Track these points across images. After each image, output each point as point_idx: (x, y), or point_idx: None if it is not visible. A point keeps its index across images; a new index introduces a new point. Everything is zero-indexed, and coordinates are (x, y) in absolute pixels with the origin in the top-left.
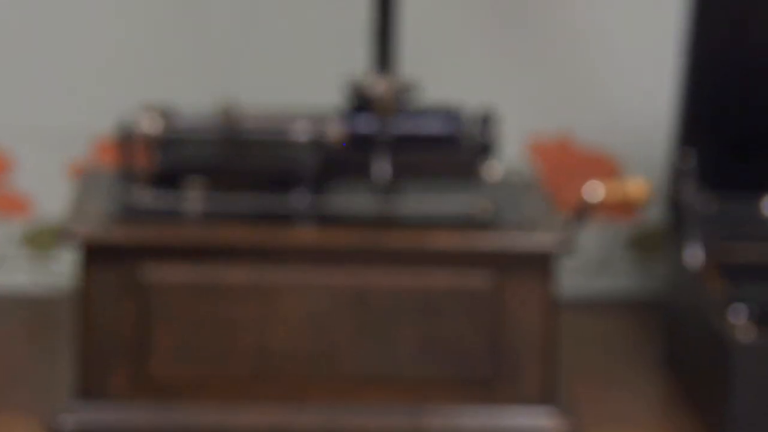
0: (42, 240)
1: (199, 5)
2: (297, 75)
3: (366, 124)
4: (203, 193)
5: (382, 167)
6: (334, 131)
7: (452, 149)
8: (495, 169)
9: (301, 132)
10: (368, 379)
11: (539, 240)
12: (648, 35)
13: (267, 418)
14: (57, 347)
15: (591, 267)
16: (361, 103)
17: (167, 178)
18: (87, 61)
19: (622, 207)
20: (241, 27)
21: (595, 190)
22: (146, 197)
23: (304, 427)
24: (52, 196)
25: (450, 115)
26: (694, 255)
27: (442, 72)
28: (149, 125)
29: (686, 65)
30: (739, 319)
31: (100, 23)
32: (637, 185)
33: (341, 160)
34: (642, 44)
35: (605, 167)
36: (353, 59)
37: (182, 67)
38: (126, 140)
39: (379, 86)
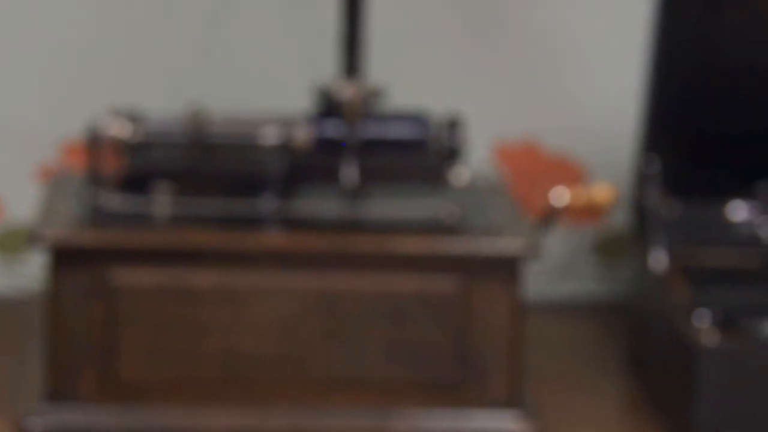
0: (11, 243)
1: (168, 11)
2: (264, 81)
3: (334, 129)
4: (171, 197)
5: (349, 172)
6: (302, 136)
7: (419, 154)
8: (462, 173)
9: (268, 136)
10: (335, 383)
11: (506, 244)
12: (614, 43)
13: (235, 421)
14: (27, 349)
15: (557, 271)
16: (329, 108)
17: (136, 182)
18: (56, 65)
19: (588, 212)
20: (209, 33)
21: (561, 195)
22: (115, 201)
23: (271, 430)
24: (20, 199)
25: (417, 120)
26: (658, 259)
27: (409, 78)
28: (118, 129)
29: (651, 73)
30: (703, 323)
31: (69, 27)
32: (603, 190)
33: (309, 164)
34: (608, 51)
35: (571, 172)
36: (321, 65)
37: (151, 73)
38: (94, 144)
39: (346, 91)
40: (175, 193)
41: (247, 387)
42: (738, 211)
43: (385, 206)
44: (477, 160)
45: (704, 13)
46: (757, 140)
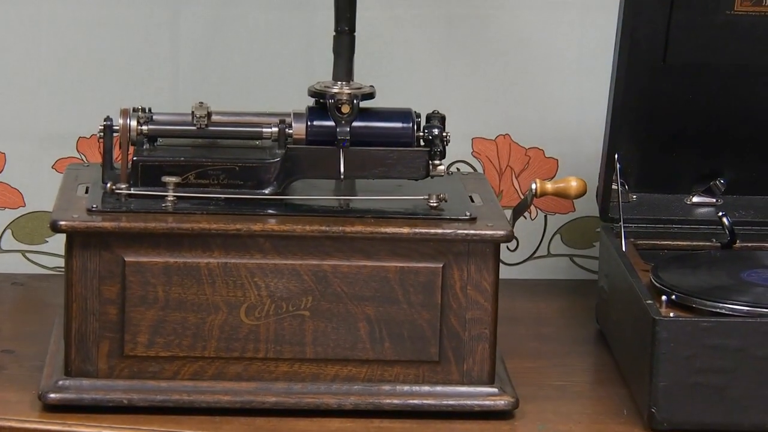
0: (33, 229)
1: (176, 17)
2: (264, 82)
3: (326, 125)
4: (178, 186)
5: (341, 163)
6: (297, 130)
7: (405, 147)
8: (443, 165)
9: (267, 131)
10: (326, 359)
11: (483, 230)
12: (584, 48)
13: (236, 395)
14: (47, 328)
15: (529, 254)
16: (323, 106)
17: (146, 174)
18: (71, 67)
19: (559, 201)
20: (213, 37)
21: (536, 186)
22: (126, 189)
23: (269, 404)
24: (42, 189)
25: (403, 116)
26: (621, 244)
27: (396, 80)
28: (129, 125)
29: (615, 76)
30: (660, 300)
31: (84, 33)
32: (574, 182)
33: (304, 156)
34: (578, 56)
35: (544, 165)
36: (316, 68)
37: (159, 73)
38: (108, 139)
39: (339, 91)
40: (180, 183)
41: (246, 363)
42: (694, 200)
43: (373, 194)
44: (458, 154)
45: (663, 19)
46: (713, 136)
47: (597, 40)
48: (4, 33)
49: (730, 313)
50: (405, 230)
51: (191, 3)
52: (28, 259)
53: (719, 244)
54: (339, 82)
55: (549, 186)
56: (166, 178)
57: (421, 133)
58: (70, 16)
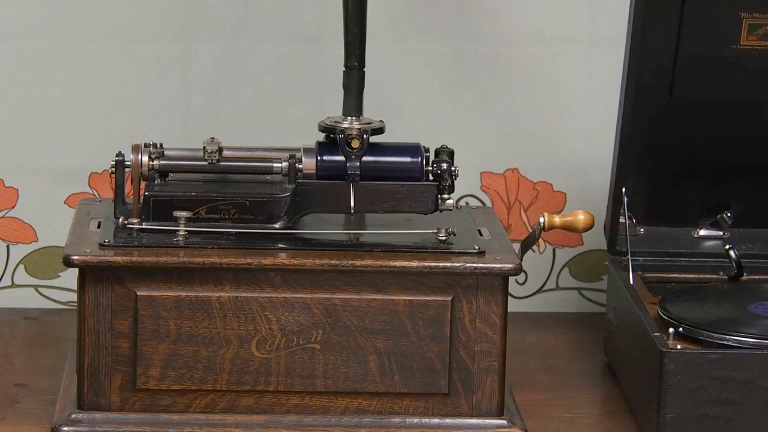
0: (46, 264)
1: (186, 54)
2: (275, 118)
3: (336, 159)
4: (189, 221)
5: (351, 197)
6: (307, 165)
7: (414, 181)
8: (452, 200)
9: (277, 166)
10: (337, 391)
11: (492, 263)
12: (591, 84)
13: (247, 428)
14: (60, 362)
15: (538, 287)
16: (333, 140)
17: (158, 209)
18: (85, 105)
19: (567, 234)
20: (223, 72)
21: (544, 220)
22: (137, 224)
23: None
24: (56, 225)
25: (413, 151)
26: (629, 277)
27: (406, 117)
28: (140, 161)
29: (622, 111)
30: (668, 332)
31: (96, 71)
32: (582, 216)
33: (313, 190)
34: (586, 92)
35: (552, 199)
36: (326, 103)
37: (170, 110)
38: (120, 174)
39: (348, 126)
40: (191, 218)
41: (257, 396)
42: (701, 233)
43: (383, 228)
44: (467, 188)
45: (669, 54)
46: (719, 170)
47: (604, 74)
48: (16, 68)
49: (737, 345)
50: (414, 264)
51: (202, 38)
52: (41, 294)
53: (726, 277)
54: (349, 117)
55: (557, 219)
56: (178, 213)
57: (430, 168)
58: (82, 52)
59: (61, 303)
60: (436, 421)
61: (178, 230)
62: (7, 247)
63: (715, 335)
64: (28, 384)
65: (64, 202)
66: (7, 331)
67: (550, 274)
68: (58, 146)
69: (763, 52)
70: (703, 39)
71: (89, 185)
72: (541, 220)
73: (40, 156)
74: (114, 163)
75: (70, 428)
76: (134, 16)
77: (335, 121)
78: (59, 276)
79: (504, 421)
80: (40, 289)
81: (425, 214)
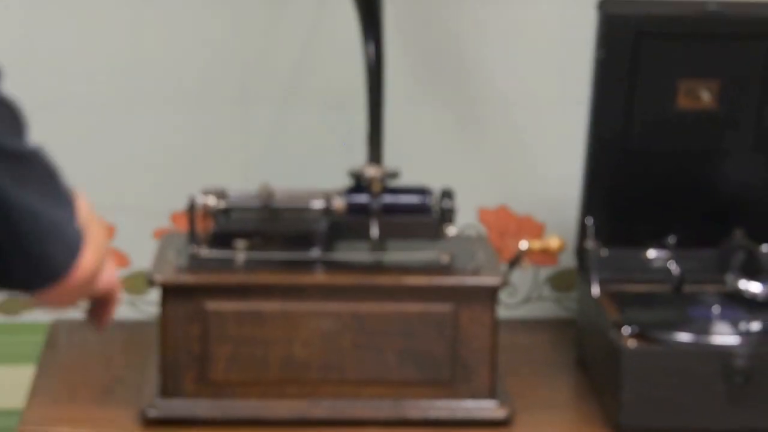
0: (136, 284)
1: (246, 119)
2: (314, 166)
3: (362, 199)
4: (247, 248)
5: (373, 229)
6: (339, 204)
7: (423, 216)
8: (453, 229)
9: (316, 205)
10: (363, 381)
11: (485, 279)
12: (564, 134)
13: (292, 410)
14: (148, 359)
15: (522, 297)
16: (359, 183)
17: (222, 239)
18: (168, 158)
19: (545, 255)
20: (275, 131)
21: (525, 244)
22: (206, 252)
23: (318, 417)
24: (144, 253)
25: (421, 192)
26: (595, 289)
27: (415, 163)
28: (209, 201)
29: (588, 156)
30: (626, 334)
31: (176, 133)
32: (555, 240)
33: (344, 224)
34: (559, 141)
35: (533, 228)
36: (356, 154)
37: (233, 162)
38: (191, 212)
39: (371, 172)
40: (249, 246)
41: (300, 385)
42: (652, 253)
43: (398, 253)
44: (466, 220)
45: (624, 113)
46: (665, 205)
47: (573, 130)
48: (114, 128)
49: (679, 341)
50: (423, 281)
51: (258, 102)
52: (135, 308)
53: (670, 288)
54: (372, 166)
55: (536, 244)
56: (237, 242)
57: (435, 205)
58: (164, 113)
59: (149, 314)
60: (441, 402)
61: (237, 256)
62: None
63: (662, 334)
64: (123, 378)
65: (152, 235)
66: (108, 337)
67: (532, 288)
68: (147, 190)
69: (697, 112)
70: (650, 101)
71: (171, 221)
72: (524, 245)
73: (133, 197)
74: (189, 204)
75: (154, 411)
76: (204, 84)
77: (361, 169)
78: (148, 293)
79: (495, 402)
80: (134, 304)
81: (432, 241)
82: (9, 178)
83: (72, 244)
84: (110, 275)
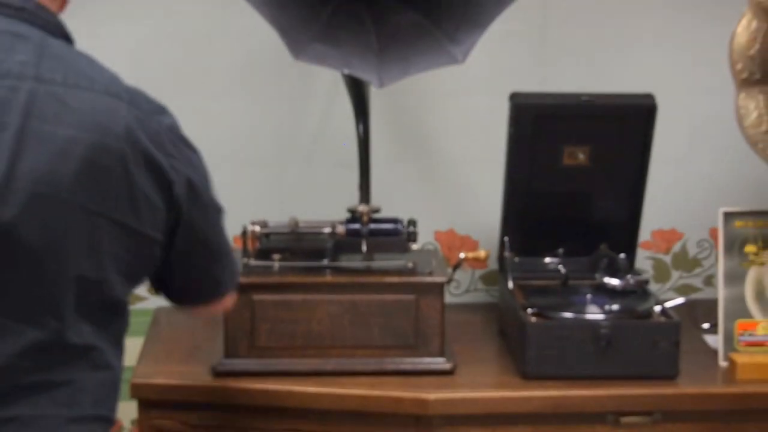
0: None
1: (281, 174)
2: (325, 207)
3: (356, 226)
4: (281, 261)
5: (363, 246)
6: (341, 229)
7: (396, 237)
8: (416, 246)
9: (325, 230)
10: (357, 346)
11: (437, 278)
12: (494, 183)
13: (311, 366)
14: (217, 333)
15: (463, 289)
16: (354, 216)
17: (264, 253)
18: (225, 198)
19: (478, 262)
20: (301, 180)
21: (464, 255)
22: (254, 262)
23: (328, 369)
24: None
25: (395, 221)
26: (510, 284)
27: (391, 200)
28: (255, 228)
29: (505, 194)
30: (530, 313)
31: (232, 182)
32: (483, 252)
33: (344, 243)
34: (491, 180)
35: (470, 244)
36: (353, 196)
37: (271, 201)
38: (245, 236)
39: (362, 208)
40: (281, 258)
41: (316, 349)
42: (548, 260)
43: (380, 261)
44: (424, 239)
45: (524, 167)
46: (557, 228)
47: (496, 179)
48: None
49: (564, 317)
50: (396, 279)
51: (289, 163)
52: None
53: (560, 282)
54: (362, 204)
55: (471, 255)
56: (274, 256)
57: (404, 229)
58: (224, 178)
59: None
60: (408, 359)
61: (274, 265)
62: None
63: (553, 313)
64: (200, 345)
65: None
66: (192, 318)
67: (470, 283)
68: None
69: (575, 167)
70: (545, 160)
71: (233, 242)
72: (462, 255)
73: None
74: (242, 231)
75: (221, 367)
76: (249, 150)
77: (355, 207)
78: None
79: (444, 359)
80: None
81: (402, 253)
82: (218, 225)
83: (237, 277)
84: (231, 300)
